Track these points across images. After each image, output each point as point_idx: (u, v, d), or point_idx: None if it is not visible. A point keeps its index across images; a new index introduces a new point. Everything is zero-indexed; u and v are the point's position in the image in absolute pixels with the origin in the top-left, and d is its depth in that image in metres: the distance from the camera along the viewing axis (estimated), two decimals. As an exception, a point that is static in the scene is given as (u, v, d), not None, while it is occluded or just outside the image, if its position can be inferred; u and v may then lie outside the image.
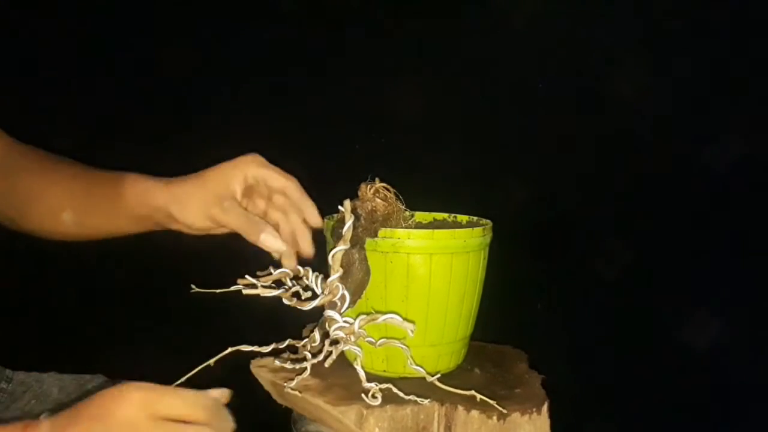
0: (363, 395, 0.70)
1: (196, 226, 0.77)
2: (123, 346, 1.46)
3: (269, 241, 0.73)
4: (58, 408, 0.96)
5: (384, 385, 0.70)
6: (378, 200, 0.75)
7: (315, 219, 0.76)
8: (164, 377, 0.74)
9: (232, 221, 0.75)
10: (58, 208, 0.82)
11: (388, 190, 0.77)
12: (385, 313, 0.71)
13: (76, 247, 0.88)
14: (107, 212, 0.79)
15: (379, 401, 0.69)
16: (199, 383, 0.72)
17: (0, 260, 1.43)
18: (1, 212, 0.87)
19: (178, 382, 0.73)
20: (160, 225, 0.80)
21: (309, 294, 0.77)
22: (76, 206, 0.81)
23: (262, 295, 0.74)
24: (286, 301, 0.73)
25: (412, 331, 0.69)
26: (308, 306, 0.73)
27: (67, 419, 0.59)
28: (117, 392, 0.57)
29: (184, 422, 0.57)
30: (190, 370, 0.72)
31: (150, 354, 0.87)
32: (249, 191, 0.78)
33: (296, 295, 0.77)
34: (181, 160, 1.64)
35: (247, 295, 0.76)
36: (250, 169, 0.76)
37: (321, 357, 0.74)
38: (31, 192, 0.84)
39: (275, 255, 0.75)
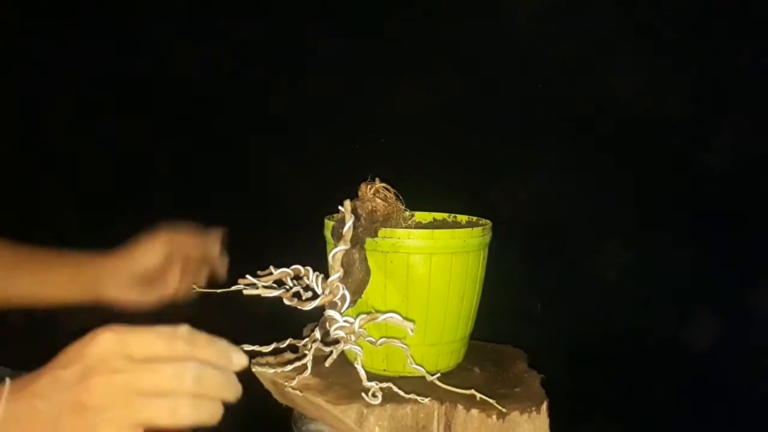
0: (363, 394, 0.70)
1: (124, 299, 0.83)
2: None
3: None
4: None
5: (384, 384, 0.71)
6: (378, 200, 0.76)
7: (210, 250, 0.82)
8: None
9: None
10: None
11: (388, 190, 0.77)
12: (385, 312, 0.72)
13: (75, 246, 0.88)
14: (42, 281, 0.82)
15: (379, 400, 0.69)
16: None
17: None
18: None
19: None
20: (89, 300, 0.84)
21: (309, 294, 0.77)
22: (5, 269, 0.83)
23: (262, 295, 0.74)
24: (286, 302, 0.74)
25: (412, 331, 0.69)
26: (309, 306, 0.73)
27: (32, 375, 0.53)
28: (87, 337, 0.50)
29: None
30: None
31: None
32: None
33: (297, 295, 0.77)
34: (181, 159, 1.64)
35: (248, 295, 0.76)
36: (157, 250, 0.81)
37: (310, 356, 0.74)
38: None
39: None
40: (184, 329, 0.52)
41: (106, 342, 0.50)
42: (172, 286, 0.86)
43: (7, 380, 0.53)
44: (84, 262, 0.84)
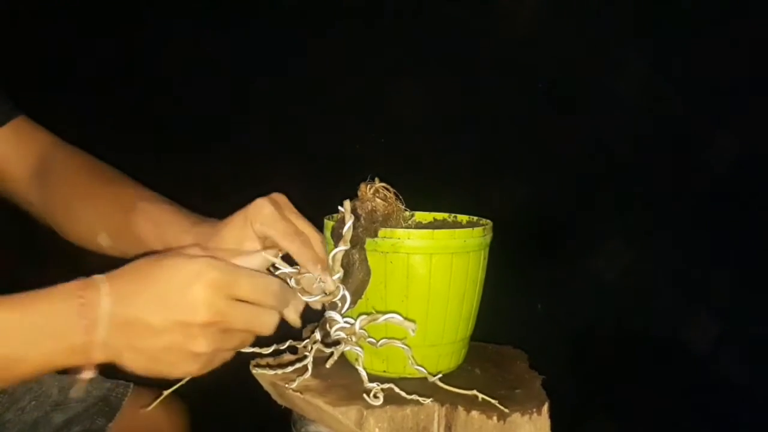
0: (365, 395, 0.70)
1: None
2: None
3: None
4: (57, 408, 0.96)
5: (386, 385, 0.70)
6: (378, 200, 0.75)
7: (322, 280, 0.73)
8: (165, 379, 0.74)
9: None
10: (93, 231, 0.82)
11: (388, 190, 0.77)
12: (386, 313, 0.71)
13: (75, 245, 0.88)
14: (140, 243, 0.78)
15: (380, 401, 0.69)
16: (199, 383, 0.72)
17: None
18: (42, 217, 0.88)
19: (179, 384, 0.73)
20: None
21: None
22: (112, 232, 0.81)
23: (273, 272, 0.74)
24: (292, 283, 0.72)
25: (413, 331, 0.69)
26: (310, 298, 0.73)
27: (133, 285, 0.58)
28: (193, 270, 0.57)
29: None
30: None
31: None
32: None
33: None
34: (181, 159, 1.64)
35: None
36: (256, 226, 0.71)
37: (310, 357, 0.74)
38: (69, 209, 0.84)
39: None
40: (276, 284, 0.64)
41: (210, 283, 0.57)
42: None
43: (102, 276, 0.58)
44: (186, 229, 0.78)
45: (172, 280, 0.57)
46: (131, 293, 0.57)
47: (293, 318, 0.71)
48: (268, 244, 0.73)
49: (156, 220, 0.78)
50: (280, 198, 0.74)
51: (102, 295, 0.56)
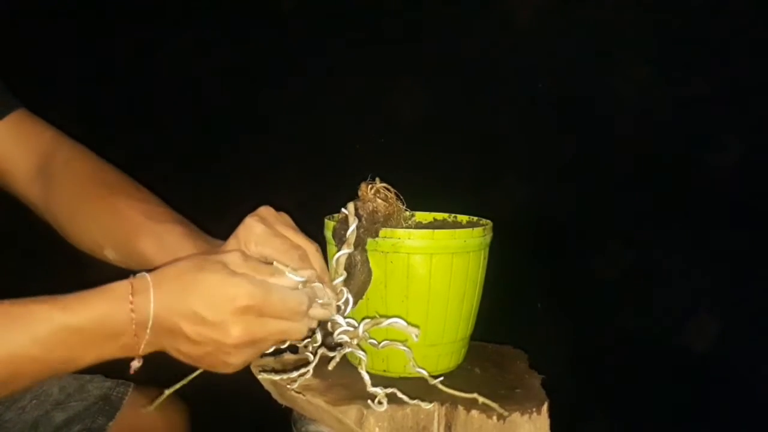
0: (369, 401, 0.70)
1: None
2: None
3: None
4: (58, 407, 0.96)
5: (389, 390, 0.70)
6: (379, 200, 0.75)
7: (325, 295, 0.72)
8: (166, 377, 0.74)
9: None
10: (98, 244, 0.82)
11: (388, 190, 0.77)
12: (389, 316, 0.71)
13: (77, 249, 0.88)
14: (146, 262, 0.78)
15: (384, 407, 0.69)
16: (200, 383, 0.72)
17: None
18: (43, 216, 0.87)
19: (180, 384, 0.73)
20: None
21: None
22: (118, 249, 0.81)
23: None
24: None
25: (416, 336, 0.69)
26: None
27: (176, 294, 0.61)
28: (229, 294, 0.60)
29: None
30: (192, 371, 0.72)
31: (151, 354, 0.87)
32: None
33: None
34: (180, 159, 1.64)
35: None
36: (251, 248, 0.71)
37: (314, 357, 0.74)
38: (73, 217, 0.84)
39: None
40: (301, 303, 0.65)
41: (242, 299, 0.61)
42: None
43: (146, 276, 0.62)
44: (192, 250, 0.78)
45: (210, 298, 0.61)
46: (174, 302, 0.61)
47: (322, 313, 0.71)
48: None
49: (163, 242, 0.78)
50: (268, 212, 0.73)
51: (149, 301, 0.60)
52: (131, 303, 0.60)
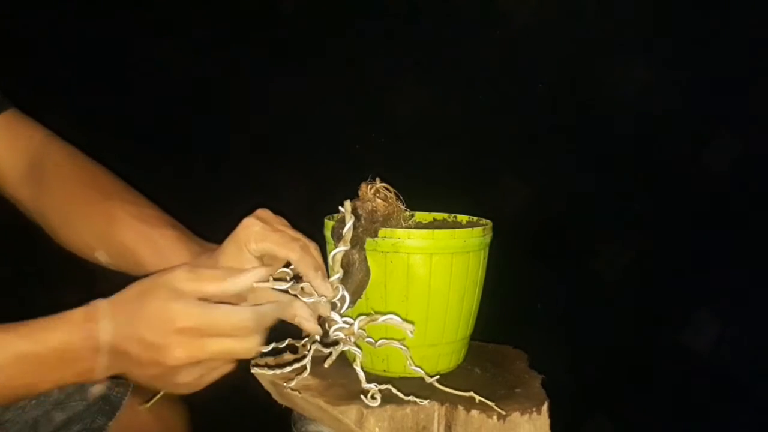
0: (362, 396, 0.70)
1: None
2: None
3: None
4: (57, 407, 0.96)
5: (383, 386, 0.70)
6: (378, 200, 0.75)
7: (322, 289, 0.71)
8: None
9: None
10: (91, 247, 0.82)
11: (388, 190, 0.77)
12: (385, 313, 0.72)
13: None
14: (140, 267, 0.79)
15: (378, 402, 0.69)
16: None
17: None
18: (33, 218, 0.87)
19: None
20: None
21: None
22: (110, 253, 0.81)
23: (272, 288, 0.73)
24: (290, 291, 0.72)
25: (411, 332, 0.69)
26: (308, 299, 0.73)
27: (125, 318, 0.63)
28: (169, 317, 0.62)
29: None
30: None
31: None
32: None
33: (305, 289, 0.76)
34: (179, 160, 1.64)
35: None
36: (251, 246, 0.71)
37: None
38: (65, 220, 0.83)
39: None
40: (250, 319, 0.64)
41: (183, 316, 0.62)
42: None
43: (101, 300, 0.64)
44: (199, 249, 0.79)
45: (151, 321, 0.62)
46: (123, 326, 0.63)
47: (311, 327, 0.70)
48: (267, 261, 0.72)
49: (156, 247, 0.79)
50: (265, 213, 0.73)
51: (101, 328, 0.63)
52: (85, 330, 0.63)
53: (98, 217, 0.82)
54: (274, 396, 0.78)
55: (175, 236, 0.79)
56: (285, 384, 0.74)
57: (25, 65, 1.56)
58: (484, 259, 0.79)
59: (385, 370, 0.78)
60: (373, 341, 0.72)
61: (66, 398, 0.97)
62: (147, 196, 0.86)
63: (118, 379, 1.01)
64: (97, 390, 0.84)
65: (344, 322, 0.72)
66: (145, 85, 1.63)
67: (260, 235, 0.70)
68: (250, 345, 0.65)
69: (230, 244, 0.71)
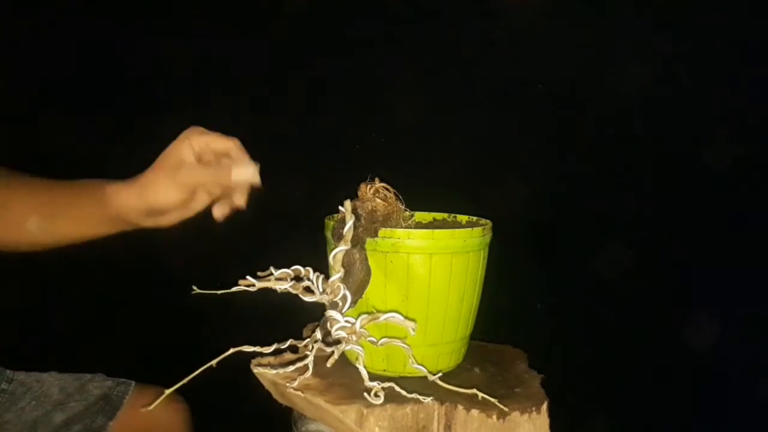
0: (366, 394, 0.70)
1: (170, 201, 0.78)
2: (124, 348, 1.46)
3: (242, 173, 0.78)
4: (57, 408, 0.96)
5: (386, 384, 0.71)
6: (378, 200, 0.76)
7: (251, 176, 0.79)
8: (167, 377, 0.74)
9: (201, 175, 0.77)
10: (22, 217, 0.81)
11: (388, 190, 0.77)
12: (386, 312, 0.72)
13: (76, 247, 0.88)
14: (75, 217, 0.80)
15: (381, 400, 0.69)
16: (201, 384, 0.72)
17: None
18: None
19: (181, 383, 0.73)
20: (131, 224, 0.81)
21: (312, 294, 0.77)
22: (43, 213, 0.81)
23: (274, 287, 0.74)
24: (292, 291, 0.73)
25: (413, 330, 0.69)
26: (315, 299, 0.73)
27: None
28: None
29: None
30: (193, 371, 0.72)
31: (152, 355, 0.88)
32: (198, 160, 0.80)
33: (307, 289, 0.77)
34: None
35: (245, 295, 0.76)
36: (194, 139, 0.78)
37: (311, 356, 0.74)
38: None
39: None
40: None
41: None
42: (195, 209, 0.82)
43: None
44: (107, 193, 0.80)
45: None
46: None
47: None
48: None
49: (91, 189, 0.81)
50: (196, 138, 0.80)
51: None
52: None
53: (18, 184, 0.82)
54: (275, 396, 0.79)
55: (94, 181, 0.82)
56: (287, 384, 0.74)
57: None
58: (483, 259, 0.79)
59: (385, 370, 0.78)
60: (374, 340, 0.72)
61: (66, 398, 0.97)
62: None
63: (118, 379, 1.02)
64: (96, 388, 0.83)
65: (346, 321, 0.72)
66: (145, 83, 1.62)
67: (192, 170, 0.77)
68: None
69: (156, 170, 0.78)
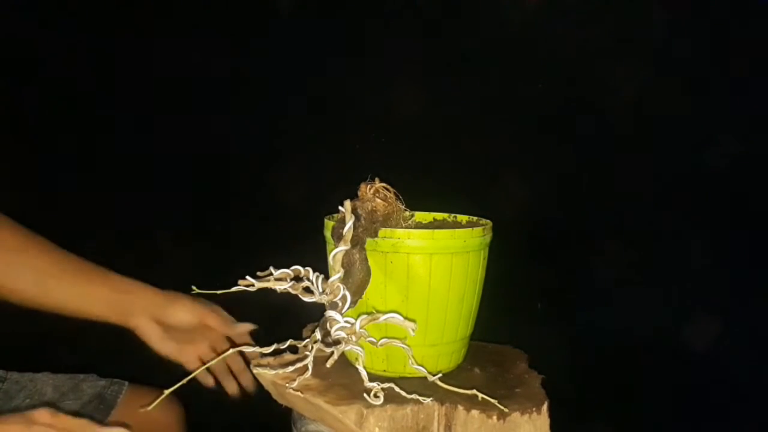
0: (365, 395, 0.70)
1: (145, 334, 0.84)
2: (124, 347, 1.46)
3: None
4: (52, 407, 0.96)
5: (386, 385, 0.70)
6: (378, 200, 0.75)
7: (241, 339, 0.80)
8: (167, 377, 0.74)
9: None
10: (33, 270, 0.84)
11: (388, 190, 0.77)
12: (386, 312, 0.71)
13: (75, 247, 0.88)
14: (79, 290, 0.83)
15: (381, 401, 0.69)
16: (200, 384, 0.72)
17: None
18: None
19: (181, 383, 0.73)
20: (115, 322, 0.86)
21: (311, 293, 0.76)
22: (51, 273, 0.83)
23: (273, 287, 0.74)
24: (291, 290, 0.73)
25: (413, 330, 0.69)
26: (309, 298, 0.73)
27: None
28: None
29: None
30: (189, 373, 0.72)
31: (152, 355, 0.87)
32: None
33: (306, 289, 0.76)
34: (178, 161, 1.63)
35: (245, 295, 0.75)
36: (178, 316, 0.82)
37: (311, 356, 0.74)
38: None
39: None
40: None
41: None
42: (191, 356, 0.87)
43: None
44: (123, 286, 0.84)
45: None
46: None
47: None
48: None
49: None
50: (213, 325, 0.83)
51: None
52: None
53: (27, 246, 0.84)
54: (275, 396, 0.78)
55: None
56: (286, 384, 0.74)
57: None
58: (484, 259, 0.79)
59: (385, 371, 0.77)
60: (374, 341, 0.72)
61: (60, 397, 0.97)
62: (146, 196, 0.87)
63: (113, 378, 1.01)
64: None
65: (345, 321, 0.72)
66: (144, 85, 1.62)
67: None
68: None
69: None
